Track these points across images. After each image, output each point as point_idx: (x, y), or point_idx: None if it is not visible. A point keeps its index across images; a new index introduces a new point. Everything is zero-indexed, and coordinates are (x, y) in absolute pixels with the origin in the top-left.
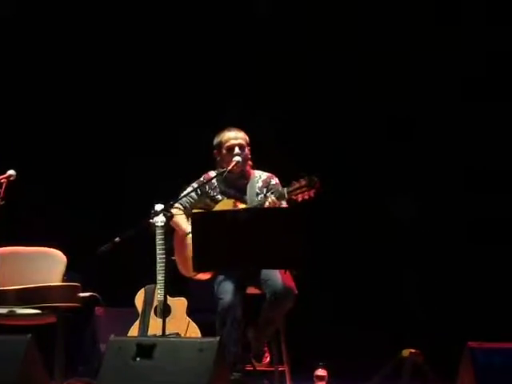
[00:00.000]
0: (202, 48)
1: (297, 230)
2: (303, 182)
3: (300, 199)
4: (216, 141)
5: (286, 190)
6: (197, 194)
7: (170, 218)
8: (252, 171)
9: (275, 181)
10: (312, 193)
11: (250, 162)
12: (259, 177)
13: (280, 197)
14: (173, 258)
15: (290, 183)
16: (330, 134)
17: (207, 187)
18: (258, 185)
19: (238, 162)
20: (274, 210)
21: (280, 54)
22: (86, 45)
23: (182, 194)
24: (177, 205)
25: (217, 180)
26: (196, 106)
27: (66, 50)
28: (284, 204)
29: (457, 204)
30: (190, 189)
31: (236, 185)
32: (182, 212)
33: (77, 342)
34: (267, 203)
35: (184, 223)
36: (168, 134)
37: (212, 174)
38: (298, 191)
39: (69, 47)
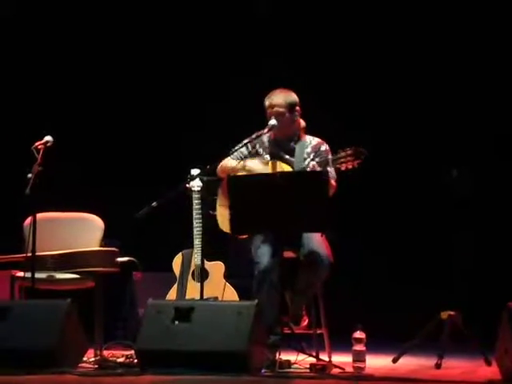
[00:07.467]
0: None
1: (323, 193)
2: (349, 152)
3: (343, 168)
4: None
5: (331, 157)
6: (247, 150)
7: (206, 182)
8: (304, 135)
9: (325, 147)
10: (356, 163)
11: (302, 125)
12: (309, 142)
13: (324, 163)
14: (211, 212)
15: (337, 151)
16: (385, 99)
17: (257, 145)
18: (306, 150)
19: (272, 126)
20: (303, 174)
21: None
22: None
23: (234, 149)
24: (228, 158)
25: (268, 140)
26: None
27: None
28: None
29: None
30: (240, 144)
31: (284, 147)
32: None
33: (115, 306)
34: (308, 168)
35: (232, 163)
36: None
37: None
38: (343, 160)
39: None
